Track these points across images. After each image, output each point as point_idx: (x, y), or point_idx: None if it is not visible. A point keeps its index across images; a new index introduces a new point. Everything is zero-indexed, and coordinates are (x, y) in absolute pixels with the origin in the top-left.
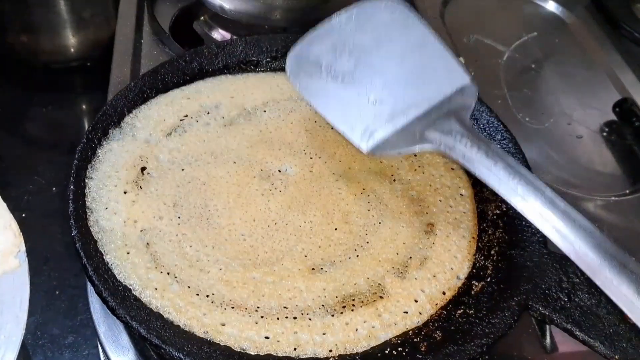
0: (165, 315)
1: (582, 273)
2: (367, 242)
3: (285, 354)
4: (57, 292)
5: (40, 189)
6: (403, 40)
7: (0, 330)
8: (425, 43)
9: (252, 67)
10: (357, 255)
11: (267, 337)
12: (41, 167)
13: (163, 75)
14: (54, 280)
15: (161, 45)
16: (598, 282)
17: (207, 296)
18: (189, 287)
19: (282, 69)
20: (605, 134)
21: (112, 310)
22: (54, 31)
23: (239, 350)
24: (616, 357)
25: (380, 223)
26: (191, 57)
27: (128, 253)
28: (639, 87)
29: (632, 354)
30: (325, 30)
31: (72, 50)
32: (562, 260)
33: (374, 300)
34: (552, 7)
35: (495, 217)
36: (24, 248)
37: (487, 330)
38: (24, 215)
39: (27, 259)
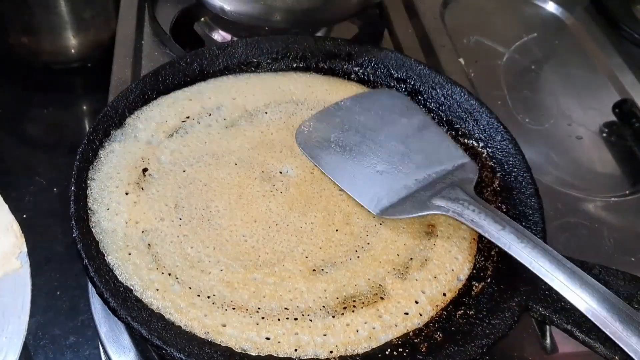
0: (167, 316)
1: None
2: (368, 244)
3: (286, 355)
4: (58, 293)
5: (41, 190)
6: (405, 123)
7: (2, 332)
8: (425, 127)
9: (253, 69)
10: (358, 257)
11: (268, 338)
12: (42, 167)
13: (164, 77)
14: (55, 280)
15: (162, 46)
16: (609, 333)
17: (208, 297)
18: (190, 288)
19: (283, 70)
20: (605, 134)
21: (114, 311)
22: (54, 32)
23: (239, 351)
24: (616, 358)
25: (381, 224)
26: (192, 58)
27: (129, 254)
28: (638, 88)
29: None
30: (333, 110)
31: (72, 51)
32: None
33: (375, 302)
34: (552, 8)
35: None
36: (25, 249)
37: (487, 331)
38: (25, 216)
39: (28, 260)
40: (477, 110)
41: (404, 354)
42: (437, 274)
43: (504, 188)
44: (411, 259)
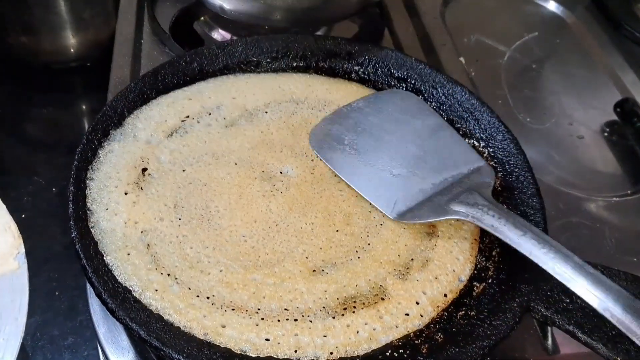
0: (166, 317)
1: None
2: (369, 244)
3: (285, 356)
4: (57, 293)
5: (40, 190)
6: (419, 125)
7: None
8: (439, 129)
9: (253, 68)
10: (359, 257)
11: (267, 339)
12: (41, 167)
13: (163, 76)
14: (54, 281)
15: (161, 45)
16: (636, 340)
17: (208, 298)
18: (189, 288)
19: (283, 70)
20: (606, 134)
21: (112, 312)
22: (54, 32)
23: (239, 352)
24: (618, 359)
25: (381, 225)
26: (191, 57)
27: (128, 254)
28: None
29: (634, 356)
30: (346, 112)
31: (72, 50)
32: None
33: (375, 302)
34: (552, 7)
35: None
36: (23, 250)
37: (488, 332)
38: (23, 215)
39: (26, 261)
40: (478, 110)
41: (405, 355)
42: (438, 274)
43: (505, 188)
44: (412, 259)
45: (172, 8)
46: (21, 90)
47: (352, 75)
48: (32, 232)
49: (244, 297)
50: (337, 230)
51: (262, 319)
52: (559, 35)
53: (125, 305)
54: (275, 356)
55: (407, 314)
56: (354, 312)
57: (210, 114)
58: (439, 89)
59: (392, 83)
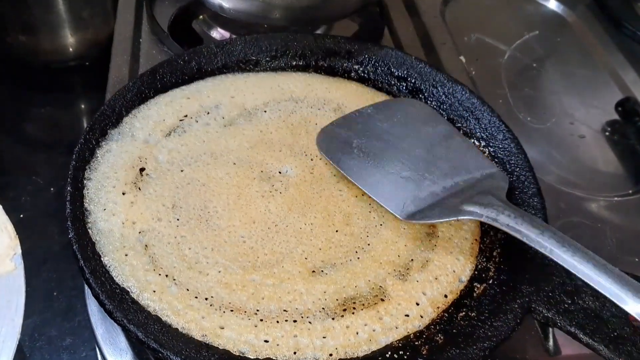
0: (164, 318)
1: None
2: (368, 244)
3: (284, 358)
4: (54, 294)
5: (39, 190)
6: (429, 131)
7: None
8: (450, 136)
9: (252, 67)
10: (358, 258)
11: (266, 341)
12: (39, 167)
13: (162, 75)
14: (52, 281)
15: (160, 44)
16: None
17: (206, 299)
18: (187, 289)
19: (282, 69)
20: (607, 133)
21: (110, 314)
22: (52, 31)
23: (237, 354)
24: (620, 359)
25: (381, 225)
26: (190, 56)
27: (126, 255)
28: None
29: (636, 357)
30: (355, 116)
31: (70, 49)
32: None
33: (375, 303)
34: (553, 5)
35: None
36: (19, 251)
37: (489, 334)
38: (22, 215)
39: (22, 262)
40: (478, 109)
41: (405, 357)
42: (438, 275)
43: None
44: (412, 260)
45: (171, 7)
46: (20, 89)
47: (352, 74)
48: (31, 232)
49: (242, 298)
50: (337, 231)
51: (261, 320)
52: (560, 34)
53: (123, 307)
54: (274, 358)
55: (407, 315)
56: (353, 313)
57: (208, 113)
58: (439, 88)
59: (392, 82)
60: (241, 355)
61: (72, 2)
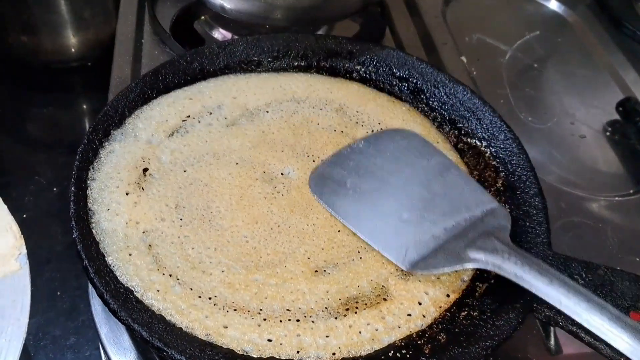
0: (167, 318)
1: (587, 274)
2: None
3: (288, 357)
4: (58, 293)
5: (41, 190)
6: (424, 165)
7: (1, 334)
8: (446, 169)
9: (254, 67)
10: (361, 258)
11: (269, 340)
12: (42, 167)
13: (164, 76)
14: (56, 281)
15: (162, 45)
16: None
17: (210, 298)
18: (191, 289)
19: (284, 69)
20: (608, 133)
21: (114, 313)
22: (54, 31)
23: (241, 353)
24: (621, 359)
25: None
26: (192, 57)
27: (130, 255)
28: None
29: None
30: (346, 153)
31: (72, 50)
32: (567, 262)
33: (378, 303)
34: (554, 6)
35: None
36: (25, 251)
37: (491, 333)
38: (24, 215)
39: (28, 262)
40: (480, 109)
41: (408, 356)
42: (441, 274)
43: (508, 187)
44: None
45: (173, 7)
46: (22, 90)
47: (354, 74)
48: (34, 232)
49: (246, 297)
50: (339, 231)
51: (264, 319)
52: (561, 34)
53: (127, 306)
54: (277, 357)
55: (410, 315)
56: (356, 312)
57: (211, 113)
58: (441, 89)
59: (394, 82)
60: (245, 354)
61: (73, 2)
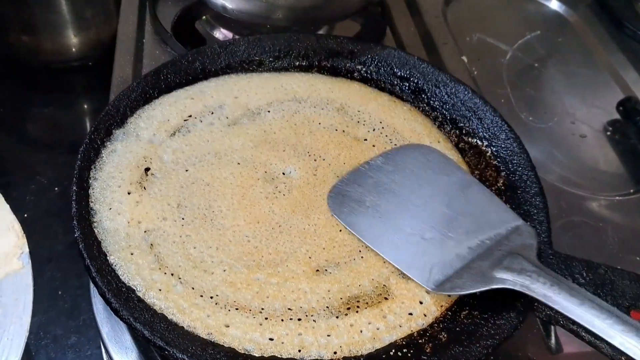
0: (169, 317)
1: (588, 273)
2: None
3: (289, 356)
4: (59, 293)
5: (42, 189)
6: (445, 182)
7: (4, 333)
8: (468, 186)
9: (255, 67)
10: (362, 257)
11: (271, 339)
12: (43, 167)
13: (165, 75)
14: (57, 280)
15: (163, 45)
16: None
17: (211, 297)
18: (193, 288)
19: (286, 69)
20: (609, 132)
21: (116, 312)
22: (55, 31)
23: (243, 351)
24: (622, 358)
25: None
26: (193, 57)
27: (132, 254)
28: None
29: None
30: (364, 170)
31: (73, 50)
32: (568, 261)
33: (379, 302)
34: (555, 6)
35: None
36: (27, 250)
37: (492, 332)
38: (25, 215)
39: (30, 261)
40: (481, 109)
41: (409, 355)
42: None
43: (509, 187)
44: None
45: (174, 7)
46: (22, 90)
47: (355, 74)
48: (35, 231)
49: (247, 296)
50: (340, 230)
51: (266, 318)
52: (561, 34)
53: (129, 305)
54: (279, 355)
55: (411, 314)
56: (357, 311)
57: (212, 113)
58: (442, 88)
59: (395, 82)
60: (246, 353)
61: (74, 2)
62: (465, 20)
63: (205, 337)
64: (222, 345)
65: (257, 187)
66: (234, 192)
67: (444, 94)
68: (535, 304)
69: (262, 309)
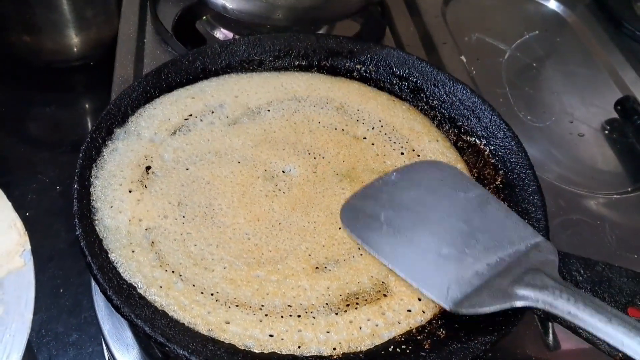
0: (170, 314)
1: (585, 271)
2: None
3: (289, 352)
4: (61, 290)
5: (44, 188)
6: (462, 198)
7: (6, 330)
8: (485, 202)
9: (255, 66)
10: (361, 254)
11: (271, 335)
12: (44, 166)
13: (166, 75)
14: (58, 278)
15: (164, 44)
16: None
17: (212, 294)
18: (193, 285)
19: (285, 68)
20: (607, 132)
21: (117, 309)
22: (56, 31)
23: (243, 348)
24: (619, 355)
25: None
26: (194, 56)
27: (133, 251)
28: None
29: None
30: (379, 185)
31: (74, 49)
32: (565, 258)
33: (378, 299)
34: (553, 5)
35: None
36: (29, 247)
37: (490, 328)
38: (27, 214)
39: (32, 258)
40: (479, 108)
41: (407, 351)
42: None
43: (507, 185)
44: None
45: (175, 7)
46: (24, 89)
47: (354, 73)
48: (36, 230)
49: (247, 293)
50: (340, 228)
51: (266, 315)
52: (560, 33)
53: (130, 302)
54: (279, 352)
55: (409, 310)
56: (356, 308)
57: (213, 112)
58: (441, 87)
59: (394, 81)
60: (247, 349)
61: (75, 2)
62: (464, 20)
63: (205, 334)
64: (223, 342)
65: (257, 185)
66: (234, 190)
67: (442, 93)
68: None
69: (262, 305)
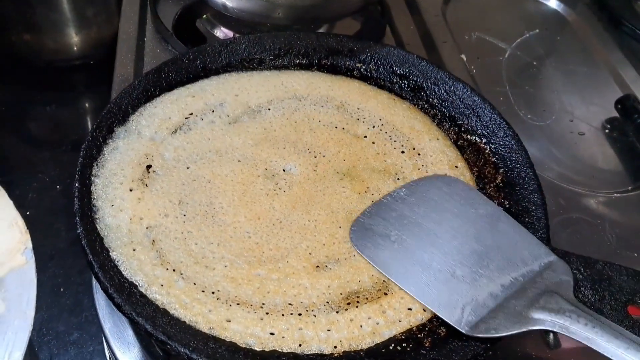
0: (171, 312)
1: (585, 269)
2: None
3: (290, 350)
4: (62, 289)
5: (45, 187)
6: (472, 215)
7: (8, 328)
8: (497, 219)
9: (255, 65)
10: None
11: (272, 334)
12: (45, 165)
13: (167, 74)
14: (59, 277)
15: (164, 43)
16: None
17: (213, 293)
18: (194, 283)
19: (286, 67)
20: (607, 130)
21: (118, 307)
22: (57, 30)
23: (244, 346)
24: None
25: None
26: (194, 55)
27: (134, 250)
28: None
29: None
30: (387, 202)
31: (75, 48)
32: (565, 257)
33: (379, 297)
34: (553, 4)
35: None
36: (30, 245)
37: None
38: (28, 212)
39: (33, 256)
40: (479, 107)
41: (408, 349)
42: None
43: (507, 184)
44: None
45: (175, 6)
46: (24, 88)
47: (354, 72)
48: (37, 229)
49: (248, 292)
50: (340, 227)
51: (267, 313)
52: (560, 32)
53: (132, 300)
54: (279, 350)
55: (410, 309)
56: (357, 306)
57: (213, 111)
58: (441, 86)
59: (394, 80)
60: (247, 347)
61: (76, 1)
62: (464, 19)
63: (206, 332)
64: (224, 340)
65: (257, 183)
66: (235, 189)
67: (442, 91)
68: None
69: (263, 304)
